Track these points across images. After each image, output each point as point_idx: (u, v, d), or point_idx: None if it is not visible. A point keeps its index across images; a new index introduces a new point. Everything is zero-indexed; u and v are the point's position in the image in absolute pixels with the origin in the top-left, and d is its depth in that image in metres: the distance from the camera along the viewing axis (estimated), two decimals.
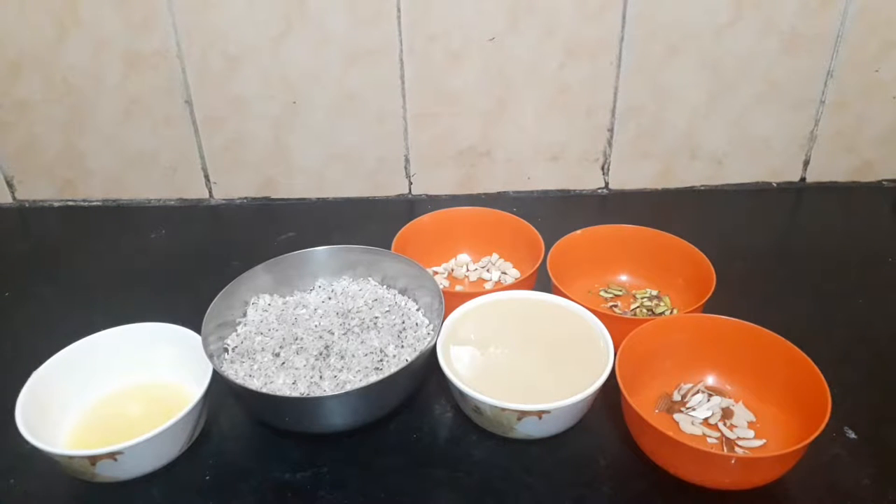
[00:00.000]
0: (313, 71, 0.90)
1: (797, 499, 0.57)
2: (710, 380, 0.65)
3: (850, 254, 0.86)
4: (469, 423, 0.63)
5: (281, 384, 0.61)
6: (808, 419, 0.55)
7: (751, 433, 0.60)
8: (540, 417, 0.57)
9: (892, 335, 0.73)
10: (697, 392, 0.64)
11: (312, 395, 0.60)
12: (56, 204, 1.00)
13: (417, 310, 0.69)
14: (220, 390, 0.62)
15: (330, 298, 0.71)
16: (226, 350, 0.65)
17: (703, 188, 1.00)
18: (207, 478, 0.59)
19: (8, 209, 1.00)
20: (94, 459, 0.54)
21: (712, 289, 0.68)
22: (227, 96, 0.92)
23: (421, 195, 1.00)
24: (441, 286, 0.68)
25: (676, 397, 0.64)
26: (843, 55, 0.90)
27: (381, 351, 0.64)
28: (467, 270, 0.82)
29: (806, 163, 0.98)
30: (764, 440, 0.59)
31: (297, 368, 0.62)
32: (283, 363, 0.63)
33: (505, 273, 0.81)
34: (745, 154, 0.97)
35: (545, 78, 0.91)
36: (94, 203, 1.00)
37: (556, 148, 0.96)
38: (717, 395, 0.64)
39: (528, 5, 0.86)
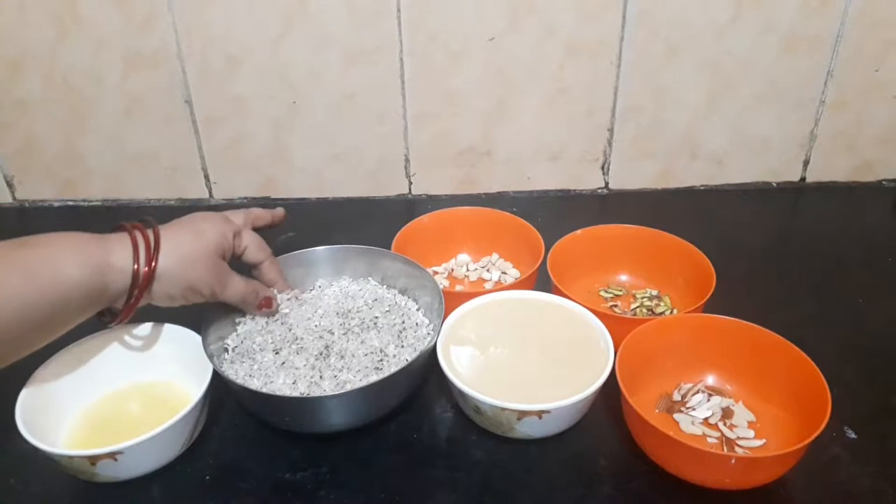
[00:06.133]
0: (313, 71, 0.90)
1: (797, 499, 0.57)
2: (710, 380, 0.66)
3: (850, 254, 0.86)
4: (469, 423, 0.63)
5: (281, 384, 0.61)
6: (808, 419, 0.55)
7: (751, 433, 0.60)
8: (540, 417, 0.57)
9: (893, 335, 0.73)
10: (697, 392, 0.64)
11: (312, 394, 0.60)
12: (56, 204, 1.00)
13: (417, 310, 0.69)
14: (220, 390, 0.62)
15: (330, 298, 0.71)
16: (226, 350, 0.65)
17: (703, 188, 1.00)
18: (207, 478, 0.59)
19: (8, 209, 1.00)
20: (94, 459, 0.54)
21: (712, 289, 0.68)
22: (227, 96, 0.92)
23: (421, 195, 1.00)
24: (441, 286, 0.68)
25: (676, 397, 0.64)
26: (843, 55, 0.90)
27: (381, 351, 0.64)
28: (467, 270, 0.82)
29: (806, 163, 0.98)
30: (764, 440, 0.60)
31: (297, 368, 0.62)
32: (283, 363, 0.63)
33: (505, 273, 0.81)
34: (745, 154, 0.97)
35: (545, 78, 0.91)
36: (94, 203, 1.00)
37: (555, 148, 0.96)
38: (717, 394, 0.64)
39: (528, 5, 0.86)
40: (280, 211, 0.71)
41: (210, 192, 1.00)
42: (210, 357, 0.60)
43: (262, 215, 0.69)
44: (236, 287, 0.62)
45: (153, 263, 0.55)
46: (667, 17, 0.87)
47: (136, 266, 0.54)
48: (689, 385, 0.65)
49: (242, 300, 0.63)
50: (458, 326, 0.66)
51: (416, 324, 0.67)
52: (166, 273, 0.55)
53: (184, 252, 0.57)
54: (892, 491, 0.56)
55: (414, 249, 0.75)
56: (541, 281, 0.73)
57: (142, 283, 0.54)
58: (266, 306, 0.65)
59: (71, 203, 1.00)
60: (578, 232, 0.78)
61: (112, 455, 0.54)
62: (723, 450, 0.59)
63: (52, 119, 0.93)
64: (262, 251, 0.66)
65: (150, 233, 0.56)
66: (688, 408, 0.63)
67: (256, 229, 0.67)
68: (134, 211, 0.99)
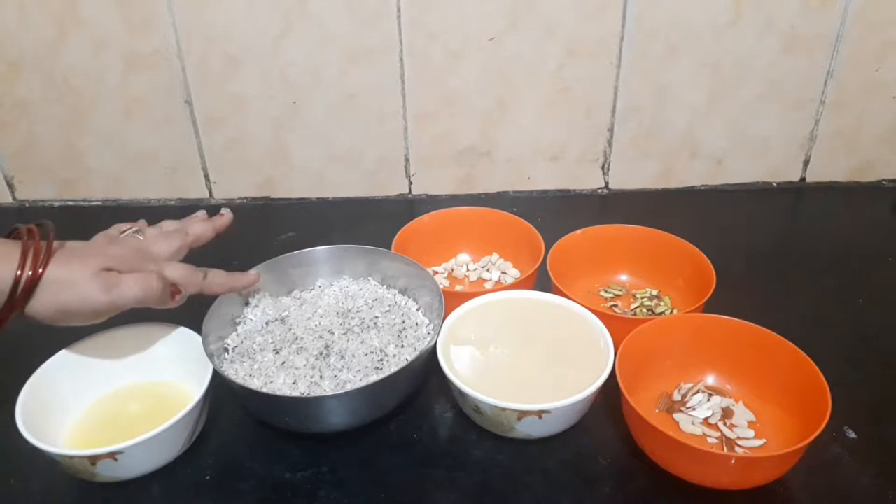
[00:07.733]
0: (313, 71, 0.90)
1: (797, 499, 0.57)
2: (710, 380, 0.65)
3: (850, 254, 0.86)
4: (469, 423, 0.63)
5: (281, 384, 0.61)
6: (808, 419, 0.55)
7: (751, 433, 0.60)
8: (540, 417, 0.57)
9: (892, 335, 0.73)
10: (697, 392, 0.64)
11: (312, 394, 0.60)
12: (56, 204, 1.00)
13: (417, 309, 0.69)
14: (220, 390, 0.62)
15: (330, 298, 0.71)
16: (226, 350, 0.65)
17: (703, 188, 1.00)
18: (207, 478, 0.59)
19: (8, 209, 1.00)
20: (94, 459, 0.54)
21: (712, 289, 0.68)
22: (227, 96, 0.92)
23: (421, 195, 1.00)
24: (441, 286, 0.68)
25: (676, 397, 0.64)
26: (843, 55, 0.90)
27: (381, 351, 0.64)
28: (467, 270, 0.82)
29: (806, 163, 0.98)
30: (764, 440, 0.60)
31: (297, 368, 0.62)
32: (284, 363, 0.63)
33: (505, 273, 0.81)
34: (745, 154, 0.97)
35: (545, 78, 0.91)
36: (94, 203, 1.00)
37: (556, 148, 0.96)
38: (717, 394, 0.64)
39: (528, 5, 0.86)
40: (223, 219, 0.67)
41: (210, 192, 1.00)
42: (210, 357, 0.60)
43: (203, 234, 0.65)
44: (130, 288, 0.54)
45: (40, 270, 0.52)
46: (667, 17, 0.87)
47: (19, 272, 0.51)
48: (689, 385, 0.65)
49: (145, 297, 0.55)
50: (458, 326, 0.66)
51: (416, 324, 0.67)
52: (41, 288, 0.52)
53: (60, 275, 0.52)
54: (893, 491, 0.56)
55: (414, 249, 0.75)
56: (541, 281, 0.73)
57: (22, 289, 0.51)
58: (176, 293, 0.59)
59: (71, 203, 1.00)
60: (578, 232, 0.78)
61: (112, 455, 0.54)
62: (723, 450, 0.59)
63: (52, 119, 0.93)
64: (194, 285, 0.60)
65: (42, 244, 0.53)
66: (688, 408, 0.63)
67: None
68: (134, 211, 0.99)
